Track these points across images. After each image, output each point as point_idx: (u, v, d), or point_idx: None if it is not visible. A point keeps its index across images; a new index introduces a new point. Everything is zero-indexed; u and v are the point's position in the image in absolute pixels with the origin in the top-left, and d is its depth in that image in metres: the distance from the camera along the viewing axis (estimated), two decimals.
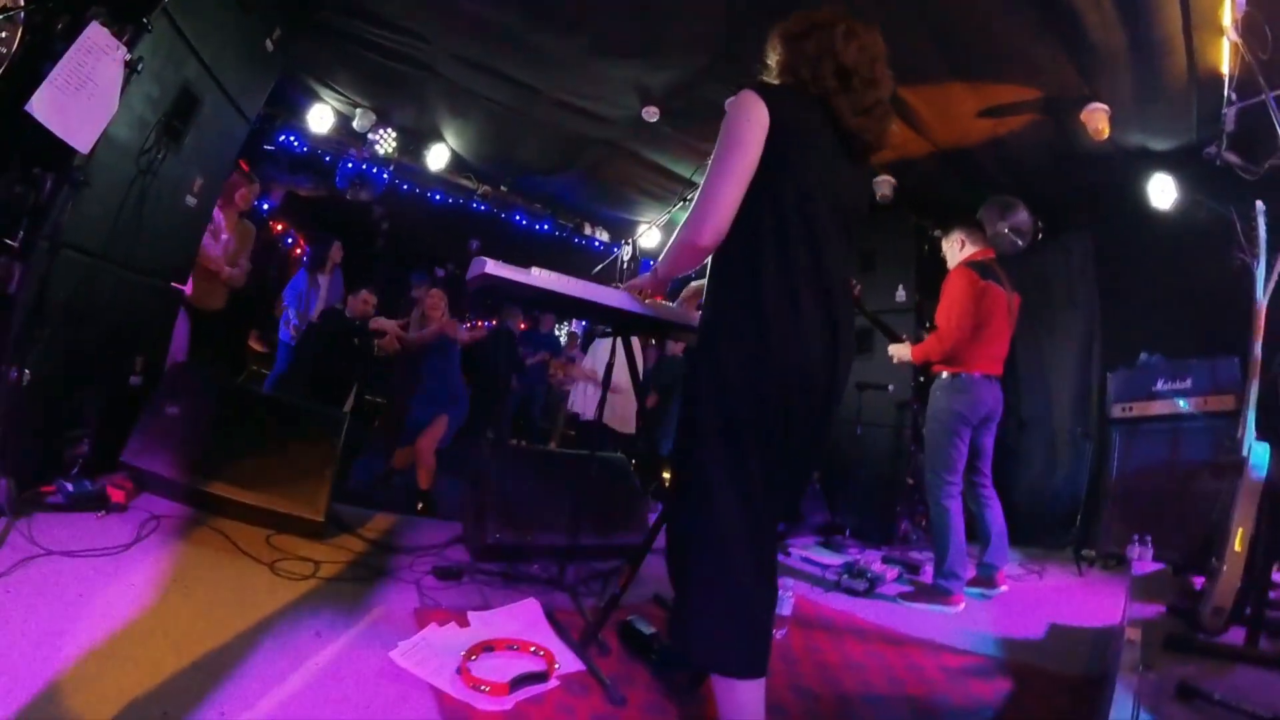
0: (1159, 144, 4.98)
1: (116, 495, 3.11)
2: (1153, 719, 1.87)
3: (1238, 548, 2.37)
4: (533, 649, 2.44)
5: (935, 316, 4.03)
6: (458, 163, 7.31)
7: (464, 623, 2.64)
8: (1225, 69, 3.57)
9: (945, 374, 3.97)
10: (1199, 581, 2.71)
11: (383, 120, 6.63)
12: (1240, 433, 2.64)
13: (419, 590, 2.99)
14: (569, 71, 5.25)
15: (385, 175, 7.17)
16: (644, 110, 5.53)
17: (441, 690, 2.09)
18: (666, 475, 5.97)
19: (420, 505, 4.74)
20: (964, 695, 2.66)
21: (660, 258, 2.22)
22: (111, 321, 3.40)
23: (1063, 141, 4.99)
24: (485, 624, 2.66)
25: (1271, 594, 2.51)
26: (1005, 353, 4.05)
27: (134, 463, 3.34)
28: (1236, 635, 2.37)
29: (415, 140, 6.95)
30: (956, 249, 4.20)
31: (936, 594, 3.82)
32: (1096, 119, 4.49)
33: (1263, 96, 2.91)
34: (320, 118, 6.45)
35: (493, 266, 2.22)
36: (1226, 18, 3.41)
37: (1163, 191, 5.02)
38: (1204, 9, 3.55)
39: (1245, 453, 2.51)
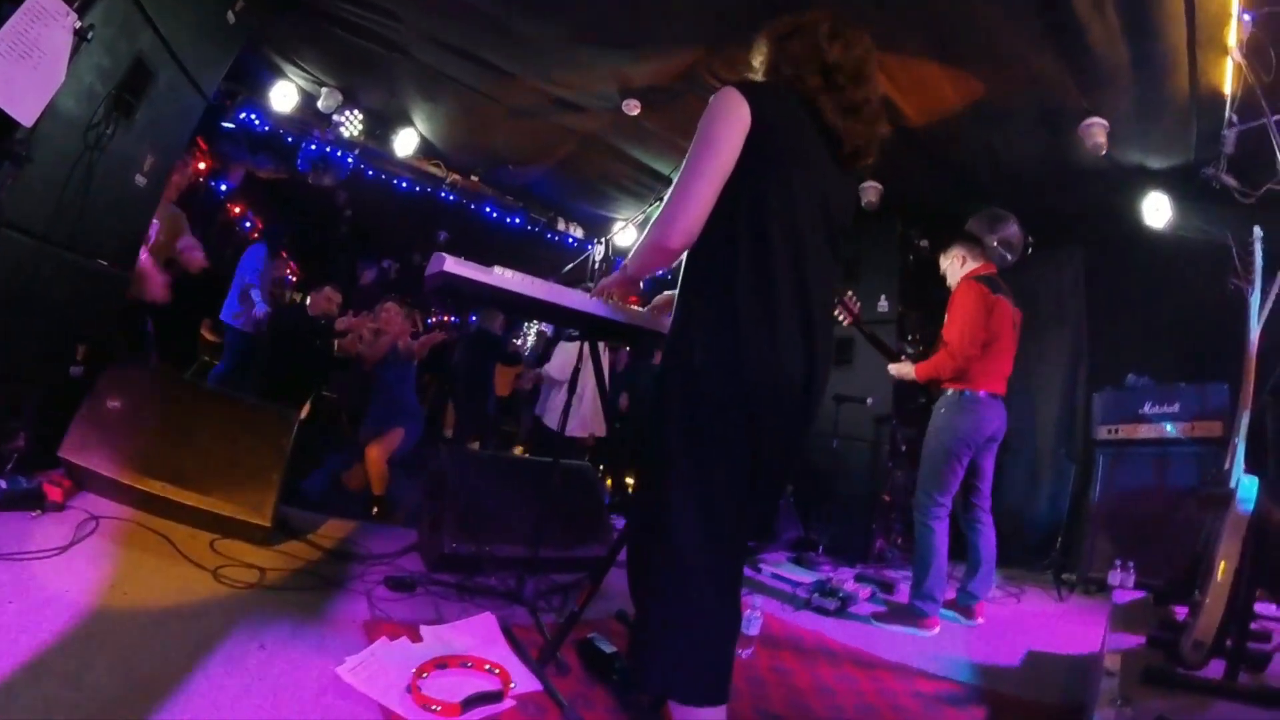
0: (1156, 162, 5.10)
1: (53, 493, 3.07)
2: None
3: (1220, 579, 2.42)
4: (487, 667, 2.43)
5: (943, 332, 4.05)
6: (427, 149, 7.26)
7: (416, 637, 2.63)
8: (1228, 89, 3.68)
9: (951, 391, 3.99)
10: (1181, 612, 2.79)
11: (349, 101, 6.56)
12: (1228, 464, 2.72)
13: (370, 601, 2.98)
14: (549, 59, 5.24)
15: (350, 159, 7.10)
16: (624, 103, 5.55)
17: (390, 710, 2.08)
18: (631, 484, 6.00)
19: (374, 510, 4.72)
20: None
21: (629, 257, 2.22)
22: (52, 307, 3.35)
23: (1058, 155, 5.08)
24: (438, 639, 2.65)
25: (1252, 625, 2.57)
26: (1010, 370, 4.10)
27: (72, 459, 3.29)
28: (1216, 668, 2.42)
29: (383, 124, 6.89)
30: (957, 265, 4.25)
31: (911, 615, 3.87)
32: (1095, 133, 4.58)
33: (1264, 120, 2.99)
34: (283, 96, 6.37)
35: (452, 264, 2.19)
36: (1231, 38, 3.52)
37: (1157, 210, 5.14)
38: (1209, 27, 3.64)
39: (1234, 485, 2.58)
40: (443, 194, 7.77)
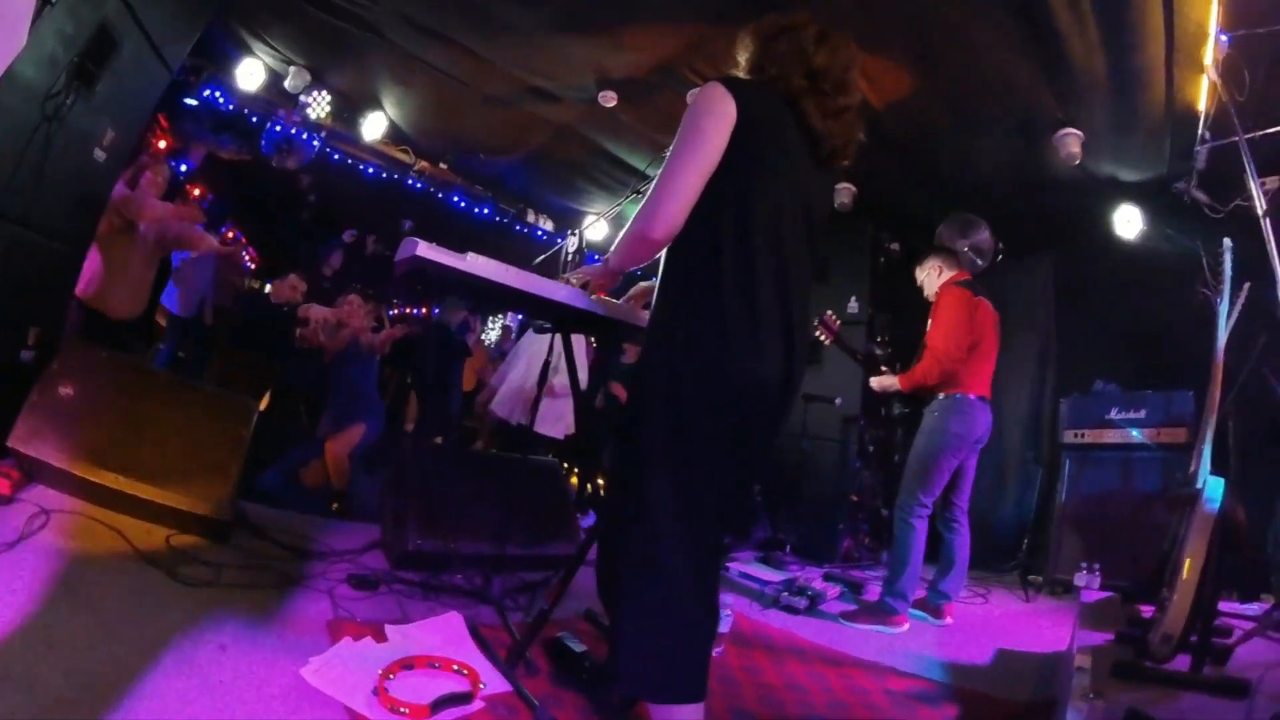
0: (1129, 174, 5.23)
1: (1, 486, 2.97)
2: None
3: (1186, 577, 2.50)
4: (455, 667, 2.41)
5: (928, 337, 4.12)
6: (395, 134, 7.15)
7: (381, 637, 2.60)
8: (1202, 107, 3.78)
9: (943, 395, 4.06)
10: (1147, 610, 2.86)
11: (317, 82, 6.42)
12: (1195, 466, 2.81)
13: (332, 600, 2.93)
14: (526, 46, 5.20)
15: (315, 142, 6.97)
16: (601, 95, 5.52)
17: (357, 712, 2.05)
18: (602, 483, 5.99)
19: (335, 506, 4.66)
20: None
21: (611, 249, 2.23)
22: (3, 286, 3.24)
23: (1033, 163, 5.19)
24: (404, 639, 2.62)
25: (1216, 622, 2.69)
26: (992, 372, 4.18)
27: (21, 449, 3.16)
28: (1183, 662, 2.52)
29: (351, 106, 6.76)
30: (935, 275, 4.32)
31: (881, 612, 3.93)
32: (1069, 144, 4.69)
33: (1236, 138, 3.06)
34: (250, 74, 6.21)
35: (425, 249, 2.15)
36: (1208, 56, 3.62)
37: (1129, 222, 5.28)
38: (1187, 45, 3.75)
39: (1200, 486, 2.67)
40: (410, 181, 7.68)
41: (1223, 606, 2.98)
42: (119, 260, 4.42)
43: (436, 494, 3.72)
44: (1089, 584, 4.26)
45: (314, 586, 3.06)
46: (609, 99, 5.54)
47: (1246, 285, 3.04)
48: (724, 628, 3.14)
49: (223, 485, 3.38)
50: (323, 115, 6.61)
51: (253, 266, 6.89)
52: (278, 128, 6.80)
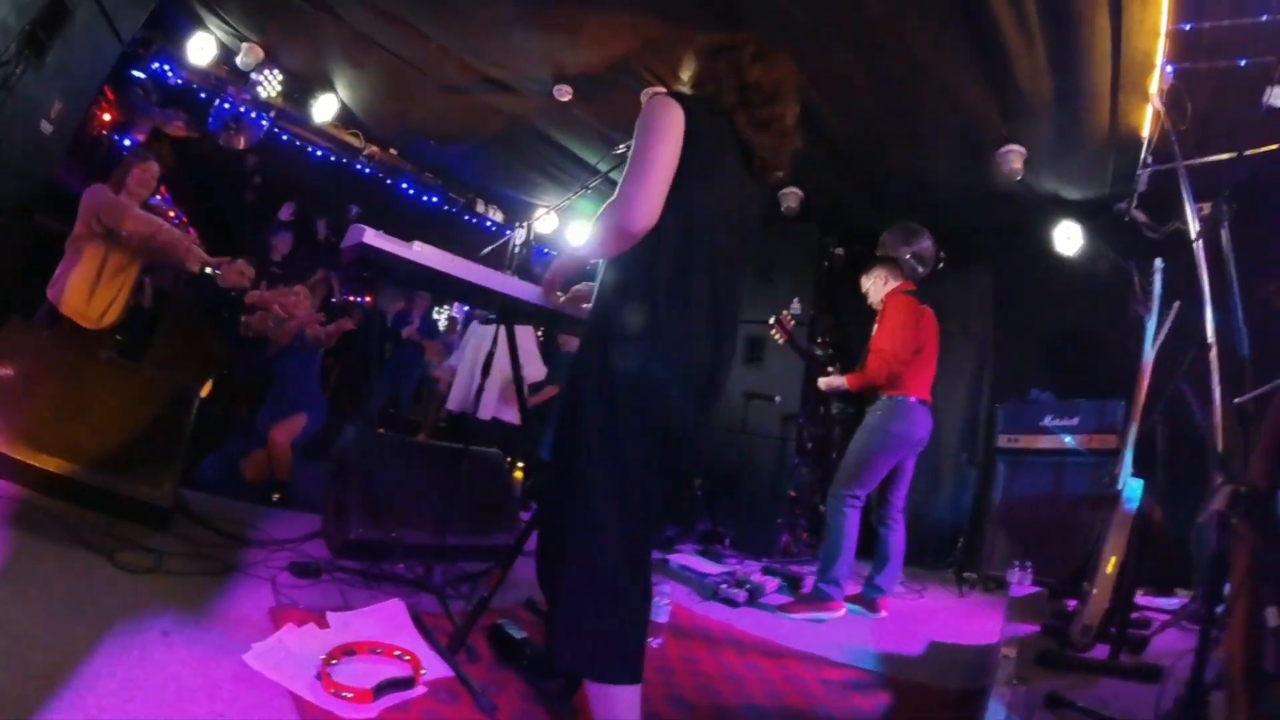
0: (1071, 193, 5.50)
1: None
2: None
3: (1108, 572, 2.73)
4: (397, 653, 2.45)
5: (873, 341, 4.32)
6: (346, 117, 7.10)
7: (323, 624, 2.63)
8: (1145, 132, 4.00)
9: (886, 397, 4.24)
10: (1072, 604, 3.07)
11: (270, 60, 6.34)
12: (1118, 469, 3.03)
13: (274, 588, 2.95)
14: (483, 36, 5.24)
15: (264, 121, 6.86)
16: (556, 88, 5.58)
17: (301, 697, 2.09)
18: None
19: (276, 495, 4.65)
20: (844, 708, 2.86)
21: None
22: None
23: (976, 176, 5.40)
24: (346, 626, 2.66)
25: (1134, 614, 2.95)
26: (934, 377, 4.39)
27: None
28: (1102, 651, 2.75)
29: (302, 87, 6.69)
30: (880, 284, 4.51)
31: (817, 599, 4.10)
32: (1012, 160, 4.93)
33: (1176, 164, 3.27)
34: (201, 48, 6.10)
35: (372, 237, 2.20)
36: (1154, 85, 3.87)
37: (1069, 238, 5.53)
38: (1134, 73, 3.99)
39: (1121, 487, 2.91)
40: (359, 165, 7.60)
41: (1141, 600, 3.24)
42: (93, 266, 4.19)
43: (378, 484, 3.74)
44: (1020, 580, 4.48)
45: (256, 574, 3.07)
46: (564, 93, 5.61)
47: (1176, 304, 3.26)
48: (662, 619, 3.24)
49: (164, 472, 3.36)
50: (273, 95, 6.53)
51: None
52: (226, 105, 6.67)
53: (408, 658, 2.44)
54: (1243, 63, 3.44)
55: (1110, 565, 2.76)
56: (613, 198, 2.06)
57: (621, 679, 1.95)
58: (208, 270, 4.75)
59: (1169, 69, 3.68)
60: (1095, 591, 2.75)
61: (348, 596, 3.05)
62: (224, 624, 2.51)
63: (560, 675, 2.45)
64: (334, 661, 2.31)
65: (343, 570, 3.31)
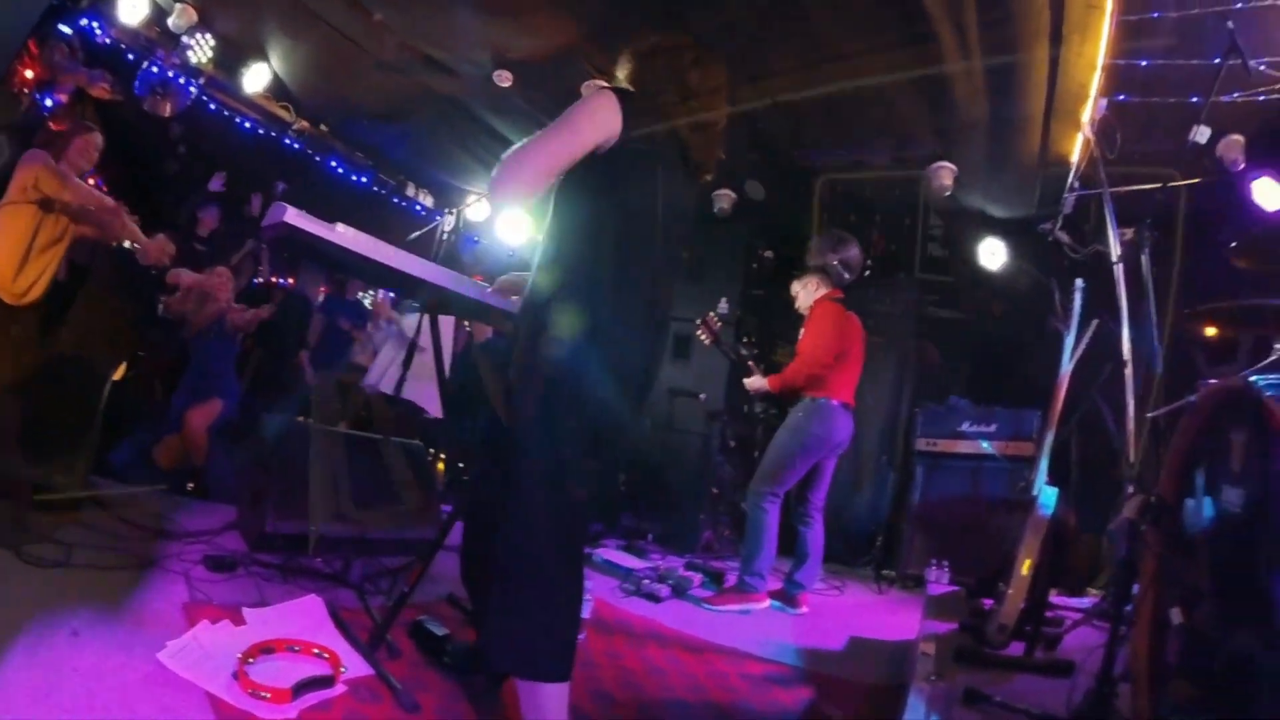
0: (998, 210, 5.76)
1: None
2: None
3: (1023, 574, 2.89)
4: (316, 651, 2.44)
5: (799, 345, 4.49)
6: (278, 89, 6.87)
7: (239, 620, 2.60)
8: (1075, 159, 4.23)
9: (808, 398, 4.39)
10: (988, 603, 3.25)
11: (203, 23, 6.06)
12: (1033, 476, 3.22)
13: (189, 582, 2.91)
14: (427, 13, 5.20)
15: (193, 88, 6.58)
16: (497, 74, 5.57)
17: (218, 697, 2.07)
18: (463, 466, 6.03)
19: (191, 484, 4.55)
20: (766, 702, 2.96)
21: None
22: None
23: (906, 188, 5.61)
24: (263, 623, 2.63)
25: (1048, 613, 3.14)
26: (856, 382, 4.57)
27: None
28: (1017, 648, 2.93)
29: (235, 54, 6.41)
30: (811, 289, 4.66)
31: (742, 590, 4.25)
32: (942, 176, 5.15)
33: (1101, 191, 3.46)
34: (133, 6, 5.79)
35: (294, 216, 2.15)
36: (1086, 115, 4.09)
37: (993, 254, 5.75)
38: (1068, 102, 4.25)
39: (1036, 493, 3.09)
40: (287, 140, 7.37)
41: (1054, 599, 3.45)
42: (25, 236, 3.95)
43: (297, 474, 3.67)
44: (937, 579, 4.67)
45: (169, 568, 3.02)
46: (505, 79, 5.61)
47: (1095, 321, 3.45)
48: (586, 613, 3.26)
49: (75, 458, 3.29)
50: (204, 60, 6.24)
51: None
52: (155, 69, 6.35)
53: (327, 656, 2.42)
54: (1171, 100, 3.67)
55: (1025, 567, 2.93)
56: (508, 152, 2.11)
57: (552, 677, 1.98)
58: (128, 245, 4.58)
59: (1102, 101, 3.89)
60: (1011, 592, 2.91)
61: (264, 591, 3.02)
62: (137, 621, 2.46)
63: (484, 671, 2.47)
64: (251, 660, 2.29)
65: (259, 564, 3.27)
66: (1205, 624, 1.97)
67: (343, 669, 2.38)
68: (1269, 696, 1.68)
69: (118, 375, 4.93)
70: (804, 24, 4.19)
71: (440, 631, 2.76)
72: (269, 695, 2.12)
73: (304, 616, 2.78)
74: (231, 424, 5.12)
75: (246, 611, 2.69)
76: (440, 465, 5.99)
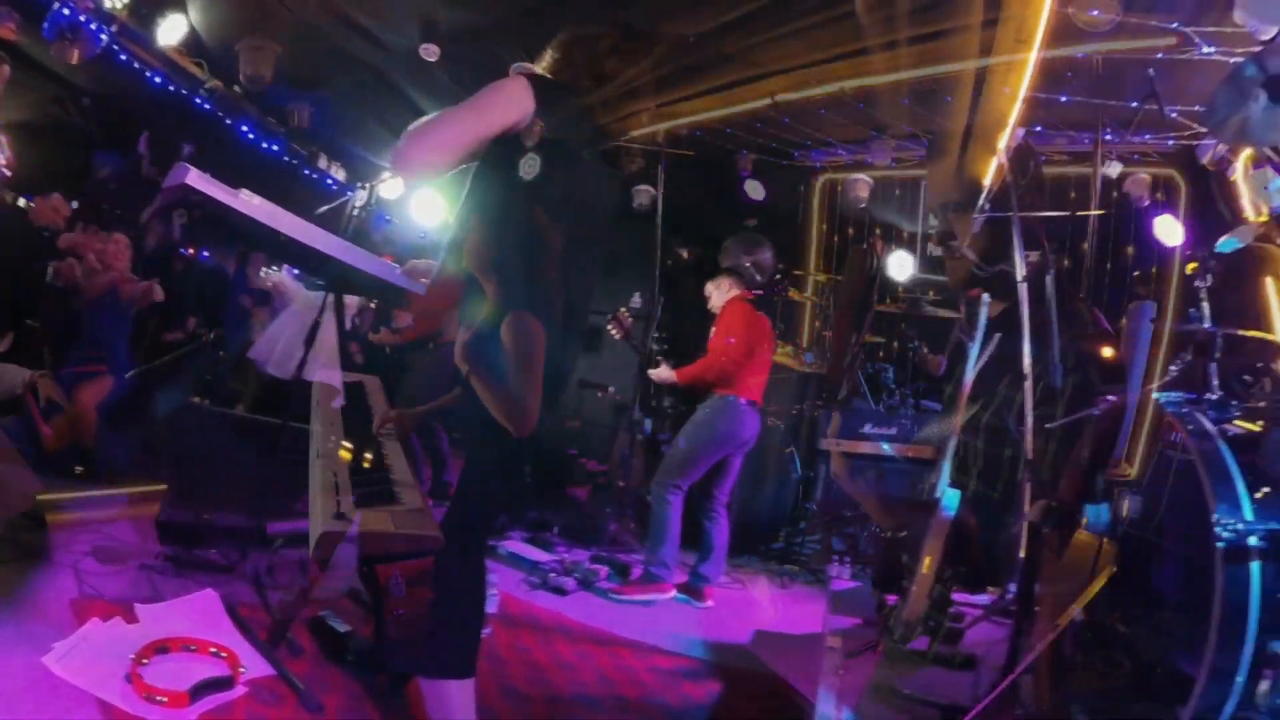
0: (909, 225, 5.96)
1: None
2: (852, 714, 2.43)
3: (925, 572, 3.03)
4: (213, 650, 2.38)
5: (710, 341, 4.61)
6: (194, 45, 6.55)
7: (131, 617, 2.52)
8: (987, 182, 4.44)
9: (716, 396, 4.50)
10: (891, 598, 3.42)
11: None
12: (935, 478, 3.35)
13: (77, 576, 2.81)
14: None
15: (104, 35, 6.23)
16: (423, 47, 5.48)
17: (109, 703, 2.02)
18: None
19: (80, 468, 4.37)
20: (676, 696, 3.04)
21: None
22: None
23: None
24: (156, 620, 2.55)
25: (950, 609, 3.28)
26: (765, 382, 4.71)
27: None
28: (922, 643, 3.08)
29: (151, 3, 6.12)
30: (725, 289, 4.78)
31: (648, 580, 4.34)
32: (859, 189, 5.35)
33: (1010, 214, 3.63)
34: None
35: (196, 179, 2.08)
36: (1003, 142, 4.30)
37: (901, 266, 5.94)
38: (987, 128, 4.45)
39: (938, 495, 3.22)
40: (198, 99, 7.05)
41: (956, 596, 3.56)
42: None
43: (191, 459, 3.58)
44: (839, 575, 4.87)
45: (56, 560, 2.92)
46: (431, 52, 5.51)
47: (997, 336, 3.62)
48: (492, 608, 3.29)
49: None
50: (118, 6, 5.93)
51: (8, 174, 6.09)
52: (65, 11, 6.01)
53: (225, 655, 2.37)
54: (1086, 140, 3.90)
55: (927, 566, 3.09)
56: (413, 125, 2.05)
57: (457, 674, 1.99)
58: (20, 203, 4.34)
59: (1020, 131, 4.11)
60: (914, 589, 3.06)
61: (158, 585, 2.93)
62: (20, 620, 2.38)
63: (388, 669, 2.47)
64: (145, 661, 2.22)
65: (152, 556, 3.17)
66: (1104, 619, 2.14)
67: (242, 669, 2.33)
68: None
69: (3, 347, 4.71)
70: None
71: (343, 628, 2.72)
72: (165, 699, 2.07)
73: (199, 612, 2.70)
74: (124, 402, 4.91)
75: (139, 607, 2.60)
76: (345, 453, 5.86)
